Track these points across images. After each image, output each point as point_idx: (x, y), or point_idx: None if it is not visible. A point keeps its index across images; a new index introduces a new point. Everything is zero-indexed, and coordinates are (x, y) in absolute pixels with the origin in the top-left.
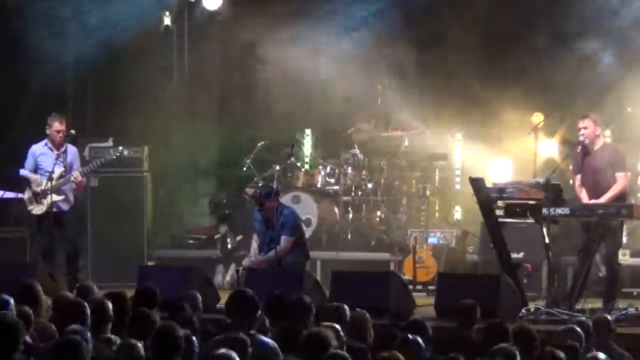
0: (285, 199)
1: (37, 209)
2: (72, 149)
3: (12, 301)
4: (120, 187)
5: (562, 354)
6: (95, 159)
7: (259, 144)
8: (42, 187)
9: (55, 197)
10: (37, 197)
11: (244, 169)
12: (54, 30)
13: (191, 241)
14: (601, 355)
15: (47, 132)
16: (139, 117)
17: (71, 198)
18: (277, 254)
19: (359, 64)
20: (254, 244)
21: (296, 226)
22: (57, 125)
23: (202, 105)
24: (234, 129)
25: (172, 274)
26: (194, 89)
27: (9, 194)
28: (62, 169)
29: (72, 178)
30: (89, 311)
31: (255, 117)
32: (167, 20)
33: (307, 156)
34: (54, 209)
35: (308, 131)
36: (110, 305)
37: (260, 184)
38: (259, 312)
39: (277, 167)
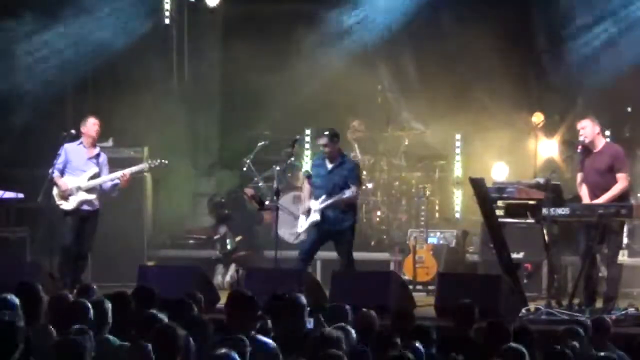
0: (285, 199)
1: (67, 205)
2: (103, 154)
3: (17, 303)
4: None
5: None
6: (127, 161)
7: (259, 144)
8: (74, 185)
9: (86, 196)
10: (67, 195)
11: (244, 169)
12: (54, 30)
13: (191, 241)
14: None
15: (83, 130)
16: (139, 117)
17: (97, 201)
18: (348, 198)
19: (359, 65)
20: (306, 189)
21: (361, 179)
22: (93, 120)
23: (202, 105)
24: (234, 129)
25: (172, 274)
26: (194, 88)
27: (9, 194)
28: (96, 169)
29: (120, 175)
30: (91, 312)
31: (256, 117)
32: (167, 20)
33: (307, 156)
34: (82, 207)
35: (308, 131)
36: (109, 305)
37: (322, 129)
38: (259, 312)
39: (277, 167)
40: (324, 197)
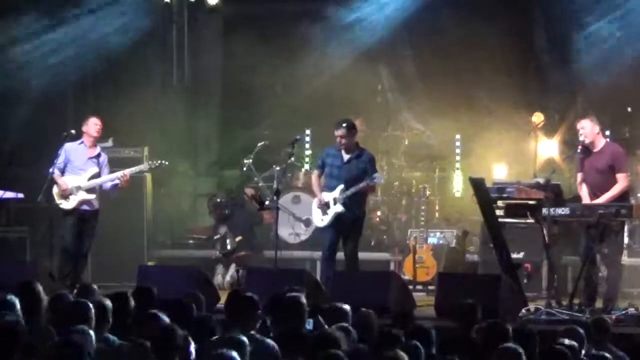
0: (285, 199)
1: (66, 204)
2: (104, 154)
3: (17, 303)
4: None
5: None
6: (127, 161)
7: (259, 144)
8: (74, 184)
9: (86, 196)
10: (67, 194)
11: (244, 169)
12: (55, 30)
13: (191, 241)
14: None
15: (84, 130)
16: (139, 117)
17: (97, 202)
18: (377, 183)
19: (359, 64)
20: (315, 182)
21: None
22: (94, 119)
23: (202, 105)
24: (234, 129)
25: (172, 274)
26: (194, 88)
27: (9, 194)
28: (96, 169)
29: (121, 175)
30: (93, 312)
31: (255, 117)
32: (167, 20)
33: (307, 156)
34: (82, 207)
35: (308, 131)
36: (110, 306)
37: (340, 121)
38: (258, 312)
39: (277, 167)
40: (342, 187)
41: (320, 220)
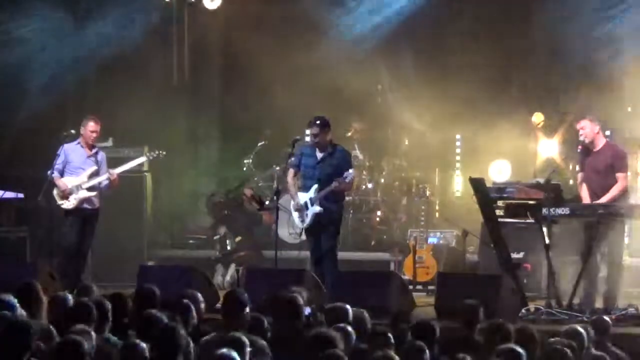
0: (285, 199)
1: (68, 204)
2: (102, 152)
3: (17, 304)
4: (121, 187)
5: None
6: (127, 160)
7: (259, 144)
8: (74, 184)
9: (87, 194)
10: (67, 194)
11: (244, 169)
12: (55, 30)
13: (191, 241)
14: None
15: (81, 132)
16: (139, 117)
17: (97, 200)
18: (350, 182)
19: (359, 64)
20: (292, 182)
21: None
22: (92, 125)
23: (202, 105)
24: (234, 128)
25: (172, 274)
26: (194, 88)
27: (9, 194)
28: (95, 167)
29: (108, 175)
30: (93, 311)
31: (256, 117)
32: (167, 20)
33: None
34: (83, 206)
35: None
36: (109, 306)
37: (312, 119)
38: (246, 311)
39: (277, 167)
40: (316, 186)
41: (301, 222)
